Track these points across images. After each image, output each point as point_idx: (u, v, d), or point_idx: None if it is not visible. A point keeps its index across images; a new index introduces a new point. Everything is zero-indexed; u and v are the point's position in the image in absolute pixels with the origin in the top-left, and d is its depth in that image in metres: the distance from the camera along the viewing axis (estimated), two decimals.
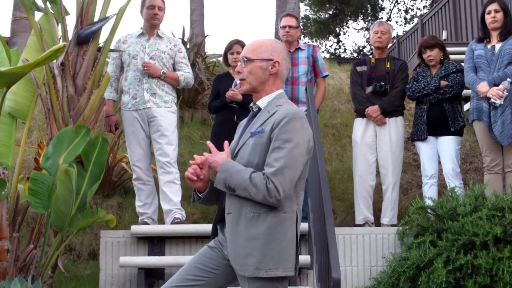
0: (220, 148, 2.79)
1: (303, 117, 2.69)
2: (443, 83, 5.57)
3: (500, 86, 5.20)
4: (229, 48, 5.86)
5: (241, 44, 5.76)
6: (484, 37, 5.49)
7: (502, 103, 5.17)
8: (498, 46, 5.37)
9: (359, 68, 5.89)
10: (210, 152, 2.75)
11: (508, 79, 5.19)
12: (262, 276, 2.58)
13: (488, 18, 5.45)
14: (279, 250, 2.60)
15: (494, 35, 5.45)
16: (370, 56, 5.98)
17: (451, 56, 6.14)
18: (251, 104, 2.85)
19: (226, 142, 2.78)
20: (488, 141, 5.33)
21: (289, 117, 2.64)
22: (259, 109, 2.80)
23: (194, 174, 2.72)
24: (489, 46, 5.43)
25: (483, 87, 5.26)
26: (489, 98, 5.23)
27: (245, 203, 2.64)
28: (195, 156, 2.76)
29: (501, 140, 5.23)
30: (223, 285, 2.78)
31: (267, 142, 2.66)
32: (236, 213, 2.66)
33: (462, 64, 5.71)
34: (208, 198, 2.79)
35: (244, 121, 2.92)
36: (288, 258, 2.63)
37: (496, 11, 5.42)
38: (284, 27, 5.79)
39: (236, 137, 2.89)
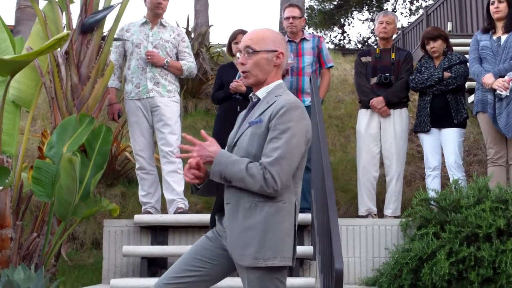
0: (223, 139, 2.76)
1: (301, 107, 2.65)
2: (447, 74, 5.54)
3: (506, 77, 5.17)
4: (233, 37, 5.84)
5: None
6: (490, 27, 5.47)
7: (508, 94, 5.15)
8: (503, 37, 5.36)
9: (363, 59, 5.86)
10: (191, 144, 2.67)
11: None
12: (261, 265, 2.57)
13: (492, 9, 5.44)
14: (276, 239, 2.58)
15: (500, 26, 5.43)
16: (375, 47, 5.94)
17: (457, 48, 6.11)
18: (251, 94, 2.82)
19: (202, 131, 2.70)
20: (492, 133, 5.32)
21: (287, 107, 2.61)
22: (259, 99, 2.77)
23: (194, 178, 2.70)
24: (494, 37, 5.41)
25: (488, 78, 5.24)
26: (495, 90, 5.21)
27: (242, 193, 2.62)
28: (189, 159, 2.68)
29: (505, 132, 5.21)
30: (221, 275, 2.77)
31: (265, 132, 2.63)
32: (234, 203, 2.64)
33: (466, 55, 5.68)
34: (206, 189, 2.77)
35: (244, 111, 2.89)
36: (285, 248, 2.60)
37: (499, 1, 5.41)
38: (288, 18, 5.75)
39: (235, 127, 2.86)
